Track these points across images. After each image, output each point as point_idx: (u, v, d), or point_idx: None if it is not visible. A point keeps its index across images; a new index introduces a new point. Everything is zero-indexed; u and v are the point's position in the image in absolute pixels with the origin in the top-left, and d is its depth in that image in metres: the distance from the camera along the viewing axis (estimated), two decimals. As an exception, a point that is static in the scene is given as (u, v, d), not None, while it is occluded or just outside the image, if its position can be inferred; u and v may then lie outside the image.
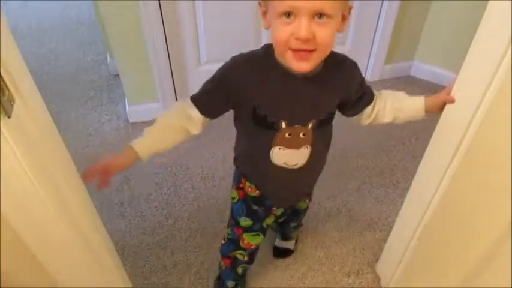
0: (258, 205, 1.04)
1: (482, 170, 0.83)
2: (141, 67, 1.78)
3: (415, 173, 1.06)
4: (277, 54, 0.80)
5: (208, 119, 0.90)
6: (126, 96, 1.90)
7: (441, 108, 0.89)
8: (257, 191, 1.02)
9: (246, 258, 1.17)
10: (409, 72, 2.21)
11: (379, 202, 1.61)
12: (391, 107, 0.94)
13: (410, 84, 2.14)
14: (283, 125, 0.85)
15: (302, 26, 0.68)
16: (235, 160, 1.03)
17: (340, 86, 0.87)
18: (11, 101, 0.46)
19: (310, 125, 0.86)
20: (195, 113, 0.89)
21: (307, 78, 0.81)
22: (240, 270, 1.21)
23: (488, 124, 0.77)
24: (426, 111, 0.93)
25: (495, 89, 0.73)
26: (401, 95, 0.95)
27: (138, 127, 1.91)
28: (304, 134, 0.87)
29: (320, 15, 0.69)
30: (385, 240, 1.31)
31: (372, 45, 2.04)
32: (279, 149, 0.89)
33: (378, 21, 1.96)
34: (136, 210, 1.57)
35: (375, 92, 0.96)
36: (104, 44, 2.13)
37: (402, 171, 1.72)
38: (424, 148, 0.99)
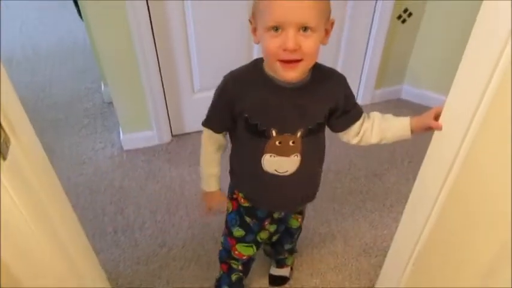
0: (250, 216, 1.11)
1: (474, 194, 0.84)
2: (135, 95, 1.80)
3: (408, 197, 1.07)
4: (267, 65, 0.88)
5: (225, 132, 1.02)
6: (120, 124, 1.91)
7: (427, 129, 0.91)
8: (249, 202, 1.09)
9: (240, 268, 1.24)
10: (399, 96, 2.25)
11: (374, 227, 1.61)
12: (378, 127, 0.98)
13: (400, 107, 2.17)
14: (274, 133, 0.91)
15: (289, 38, 0.76)
16: (230, 171, 1.09)
17: (327, 96, 0.93)
18: (7, 142, 0.47)
19: (299, 134, 0.93)
20: (212, 134, 1.01)
21: (295, 89, 0.88)
22: (234, 277, 1.27)
23: (477, 148, 0.78)
24: (412, 132, 0.96)
25: (482, 113, 0.74)
26: (388, 116, 0.99)
27: (132, 154, 1.92)
28: (293, 142, 0.93)
29: (305, 28, 0.77)
30: (380, 266, 1.30)
31: (362, 71, 2.07)
32: (270, 156, 0.95)
33: (367, 47, 2.00)
34: (130, 239, 1.56)
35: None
36: (98, 71, 2.15)
37: (396, 195, 1.73)
38: (417, 171, 1.00)
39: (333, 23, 0.85)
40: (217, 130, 1.00)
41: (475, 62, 0.74)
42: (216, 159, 1.05)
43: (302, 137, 0.93)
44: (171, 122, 1.96)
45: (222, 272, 1.29)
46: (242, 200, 1.09)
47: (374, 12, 1.88)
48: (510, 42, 0.64)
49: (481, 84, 0.72)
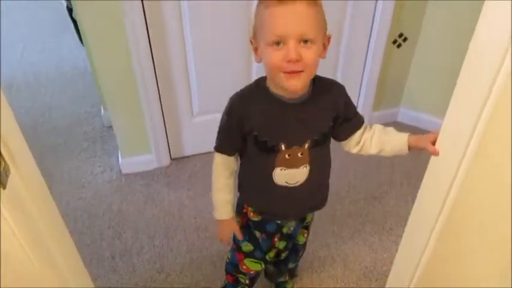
0: (259, 231, 1.13)
1: (472, 218, 0.84)
2: (134, 119, 1.81)
3: (408, 219, 1.07)
4: (270, 80, 0.92)
5: (237, 154, 1.04)
6: (119, 148, 1.92)
7: (424, 149, 0.93)
8: (259, 216, 1.11)
9: (247, 282, 1.25)
10: (396, 118, 2.27)
11: (374, 250, 1.60)
12: (378, 139, 1.01)
13: (397, 130, 2.18)
14: (283, 147, 0.95)
15: (291, 49, 0.80)
16: (240, 187, 1.11)
17: (329, 106, 0.97)
18: (7, 171, 0.47)
19: (306, 145, 0.96)
20: (225, 158, 1.02)
21: (298, 104, 0.92)
22: None
23: (474, 173, 0.78)
24: (410, 149, 0.98)
25: (478, 138, 0.74)
26: (389, 129, 1.02)
27: (131, 178, 1.92)
28: (301, 154, 0.97)
29: (305, 40, 0.81)
30: (381, 291, 1.29)
31: (359, 94, 2.10)
32: (281, 169, 0.98)
33: (363, 71, 2.03)
34: (128, 264, 1.54)
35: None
36: (98, 96, 2.17)
37: (395, 217, 1.72)
38: (416, 193, 1.00)
39: (329, 38, 0.90)
40: (230, 153, 1.02)
41: (469, 88, 0.75)
42: (229, 184, 1.06)
43: (309, 148, 0.97)
44: (170, 146, 1.97)
45: (227, 282, 1.29)
46: (251, 214, 1.11)
47: (370, 37, 1.91)
48: (504, 67, 0.65)
49: (475, 109, 0.73)
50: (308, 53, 0.82)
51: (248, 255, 1.16)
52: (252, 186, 1.08)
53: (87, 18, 1.54)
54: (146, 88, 1.72)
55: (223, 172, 1.04)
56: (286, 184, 1.00)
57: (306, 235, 1.25)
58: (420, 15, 1.91)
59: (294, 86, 0.86)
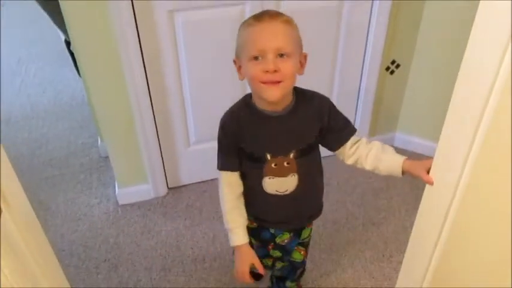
0: (255, 238, 1.19)
1: (471, 244, 0.83)
2: (131, 149, 1.81)
3: (407, 246, 1.06)
4: (253, 92, 1.00)
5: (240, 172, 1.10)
6: (116, 179, 1.92)
7: (418, 177, 0.93)
8: (254, 224, 1.17)
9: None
10: (392, 143, 2.27)
11: (374, 278, 1.57)
12: (375, 156, 1.03)
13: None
14: (269, 156, 1.02)
15: (269, 61, 0.89)
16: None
17: (312, 116, 1.03)
18: (-1, 210, 0.47)
19: (291, 155, 1.03)
20: (229, 175, 1.09)
21: (281, 116, 1.00)
22: None
23: (469, 200, 0.78)
24: (404, 173, 0.99)
25: (471, 165, 0.74)
26: (387, 148, 1.04)
27: (128, 209, 1.90)
28: (288, 163, 1.04)
29: (281, 54, 0.90)
30: (382, 321, 1.27)
31: (354, 120, 2.11)
32: (269, 178, 1.05)
33: (357, 98, 2.06)
34: (124, 298, 1.51)
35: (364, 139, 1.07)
36: (95, 126, 2.18)
37: (395, 244, 1.71)
38: (414, 219, 0.99)
39: (305, 56, 0.99)
40: (233, 168, 1.08)
41: (461, 114, 0.75)
42: (239, 206, 1.11)
43: (295, 158, 1.03)
44: (166, 175, 1.96)
45: None
46: (248, 222, 1.15)
47: (363, 64, 1.95)
48: (494, 93, 0.66)
49: (468, 135, 0.73)
50: (284, 65, 0.90)
51: None
52: (248, 195, 1.13)
53: (84, 51, 1.56)
54: (142, 119, 1.73)
55: (230, 195, 1.09)
56: (277, 192, 1.07)
57: (303, 253, 1.26)
58: (412, 42, 1.95)
59: (273, 96, 0.93)
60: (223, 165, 1.08)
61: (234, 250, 1.15)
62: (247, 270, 1.12)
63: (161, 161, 1.90)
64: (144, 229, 1.80)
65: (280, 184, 1.06)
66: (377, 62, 1.93)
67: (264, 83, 0.92)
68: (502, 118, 0.66)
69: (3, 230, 0.46)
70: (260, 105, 1.00)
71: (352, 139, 1.06)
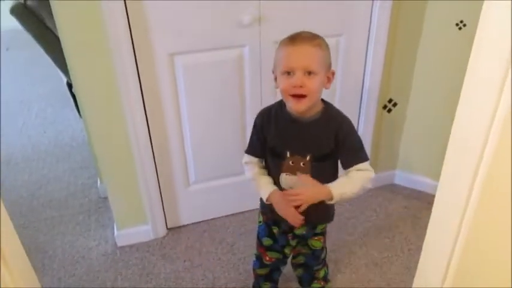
0: (276, 226, 1.33)
1: (476, 284, 0.81)
2: (130, 190, 1.81)
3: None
4: (284, 101, 1.16)
5: (262, 159, 1.28)
6: (115, 220, 1.89)
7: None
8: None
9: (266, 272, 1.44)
10: (393, 181, 2.27)
11: (379, 322, 1.53)
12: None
13: (395, 193, 2.16)
14: (288, 154, 1.18)
15: (297, 78, 1.06)
16: None
17: (329, 132, 1.16)
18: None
19: (308, 157, 1.16)
20: (251, 159, 1.28)
21: (307, 122, 1.15)
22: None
23: (474, 238, 0.77)
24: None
25: (474, 204, 0.74)
26: (352, 178, 1.16)
27: (126, 251, 1.87)
28: (303, 164, 1.17)
29: (309, 72, 1.06)
30: None
31: (354, 158, 2.12)
32: (286, 174, 1.20)
33: (357, 135, 2.07)
34: None
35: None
36: (95, 167, 2.18)
37: (398, 285, 1.66)
38: (417, 259, 0.97)
39: (333, 73, 1.14)
40: (256, 154, 1.27)
41: (460, 154, 0.76)
42: (262, 171, 1.27)
43: (311, 161, 1.16)
44: (166, 215, 1.94)
45: (254, 280, 1.50)
46: (270, 215, 1.27)
47: (360, 104, 1.97)
48: (492, 132, 0.66)
49: (468, 174, 0.73)
50: (310, 82, 1.07)
51: (269, 248, 1.37)
52: None
53: (85, 92, 1.59)
54: (142, 160, 1.73)
55: (251, 170, 1.26)
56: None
57: (322, 240, 1.35)
58: (408, 80, 1.98)
59: (298, 108, 1.11)
60: (248, 150, 1.28)
61: (270, 200, 1.22)
62: (292, 210, 1.18)
63: (161, 201, 1.89)
64: (143, 272, 1.77)
65: (294, 182, 1.18)
66: (374, 101, 1.96)
67: (292, 96, 1.09)
68: (502, 157, 0.67)
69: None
70: (290, 109, 1.16)
71: (360, 165, 1.16)
